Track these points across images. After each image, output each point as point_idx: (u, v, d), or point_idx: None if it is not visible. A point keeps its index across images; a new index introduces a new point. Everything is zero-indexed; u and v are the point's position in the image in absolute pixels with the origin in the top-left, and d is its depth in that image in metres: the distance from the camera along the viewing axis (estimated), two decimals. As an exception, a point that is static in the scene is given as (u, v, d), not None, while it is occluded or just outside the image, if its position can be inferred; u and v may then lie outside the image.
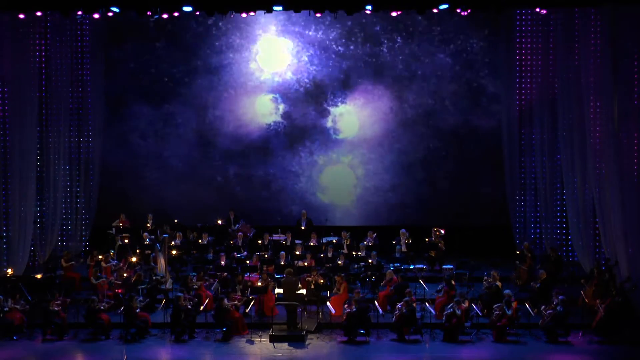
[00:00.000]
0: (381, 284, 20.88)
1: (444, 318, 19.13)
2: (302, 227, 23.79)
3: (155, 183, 25.11)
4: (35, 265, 23.29)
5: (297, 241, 22.94)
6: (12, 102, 22.53)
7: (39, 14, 21.73)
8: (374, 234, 23.12)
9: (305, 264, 21.70)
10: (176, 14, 20.86)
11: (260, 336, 19.14)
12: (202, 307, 19.68)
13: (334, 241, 22.85)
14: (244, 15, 21.70)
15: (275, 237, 23.16)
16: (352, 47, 24.58)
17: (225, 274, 21.19)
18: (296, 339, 18.87)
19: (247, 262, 21.73)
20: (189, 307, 19.23)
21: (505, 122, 23.97)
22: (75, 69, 23.94)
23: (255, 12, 21.77)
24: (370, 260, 21.73)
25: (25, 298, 20.14)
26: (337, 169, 25.19)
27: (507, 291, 19.40)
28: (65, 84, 23.69)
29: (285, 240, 23.01)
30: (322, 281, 20.23)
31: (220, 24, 24.35)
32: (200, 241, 23.25)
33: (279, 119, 24.99)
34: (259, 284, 20.21)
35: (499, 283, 20.34)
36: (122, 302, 19.68)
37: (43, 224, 23.69)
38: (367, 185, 25.15)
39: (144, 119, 24.94)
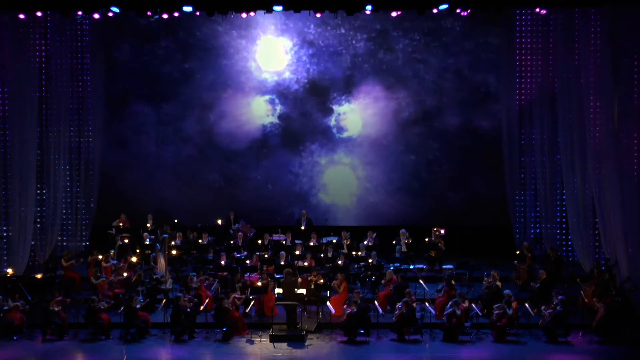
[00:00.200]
0: (381, 282, 20.87)
1: (444, 318, 19.14)
2: (302, 227, 23.80)
3: (156, 183, 25.12)
4: (35, 265, 23.30)
5: (297, 241, 22.95)
6: (12, 102, 22.53)
7: (39, 14, 21.72)
8: (374, 234, 23.13)
9: (305, 264, 21.71)
10: (176, 14, 20.88)
11: (260, 336, 19.14)
12: (202, 307, 19.68)
13: (334, 241, 22.85)
14: (244, 15, 21.71)
15: (275, 237, 23.17)
16: (352, 47, 24.58)
17: (225, 273, 21.19)
18: (296, 339, 18.86)
19: (247, 262, 21.73)
20: (189, 307, 19.22)
21: (505, 122, 23.98)
22: (75, 69, 23.94)
23: (255, 12, 21.77)
24: (370, 260, 21.73)
25: (25, 298, 20.14)
26: (338, 169, 25.20)
27: (507, 291, 19.41)
28: (65, 84, 23.70)
29: (285, 240, 23.01)
30: (322, 281, 20.24)
31: (220, 23, 24.35)
32: (200, 241, 23.26)
33: (279, 118, 24.99)
34: (259, 284, 20.21)
35: (499, 283, 20.35)
36: (122, 302, 19.68)
37: (43, 224, 23.69)
38: (368, 185, 25.15)
39: (144, 119, 24.95)
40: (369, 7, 20.28)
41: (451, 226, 23.64)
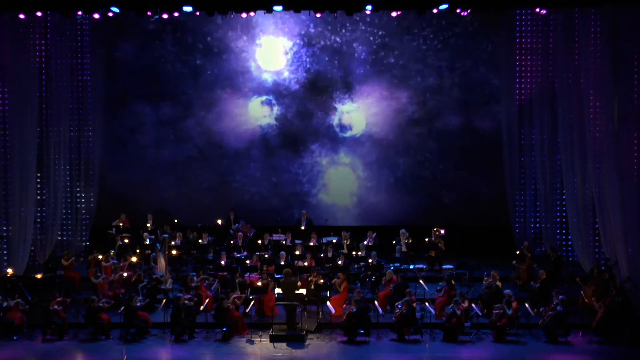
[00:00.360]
0: (381, 282, 20.87)
1: (444, 318, 19.13)
2: (302, 227, 23.80)
3: (155, 183, 25.11)
4: (35, 265, 23.30)
5: (297, 241, 22.94)
6: (12, 102, 22.53)
7: (39, 14, 21.72)
8: (374, 234, 23.12)
9: (305, 264, 21.70)
10: (176, 14, 20.89)
11: (260, 336, 19.14)
12: (202, 307, 19.68)
13: (334, 241, 22.85)
14: (244, 15, 21.71)
15: (275, 237, 23.16)
16: (352, 47, 24.56)
17: (225, 273, 21.19)
18: (296, 339, 18.87)
19: (247, 262, 21.73)
20: (189, 306, 19.22)
21: (505, 122, 23.98)
22: (75, 68, 23.94)
23: (255, 12, 21.77)
24: (370, 260, 21.73)
25: (25, 298, 20.14)
26: (338, 169, 25.20)
27: (507, 291, 19.41)
28: (65, 84, 23.70)
29: (285, 240, 23.01)
30: (322, 281, 20.24)
31: (220, 24, 24.35)
32: (200, 241, 23.26)
33: (279, 119, 24.99)
34: (259, 284, 20.21)
35: (499, 283, 20.35)
36: (122, 302, 19.68)
37: (43, 224, 23.69)
38: (368, 185, 25.15)
39: (144, 119, 24.94)
40: (369, 7, 20.29)
41: (451, 226, 23.64)
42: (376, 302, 19.78)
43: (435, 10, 20.59)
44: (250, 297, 19.96)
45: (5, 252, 22.63)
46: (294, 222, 24.28)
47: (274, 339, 18.89)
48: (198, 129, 25.03)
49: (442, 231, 23.23)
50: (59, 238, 24.13)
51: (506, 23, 23.55)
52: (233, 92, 24.89)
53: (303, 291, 20.07)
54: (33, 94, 22.71)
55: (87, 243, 24.36)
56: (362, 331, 19.03)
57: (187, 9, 20.20)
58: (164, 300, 20.21)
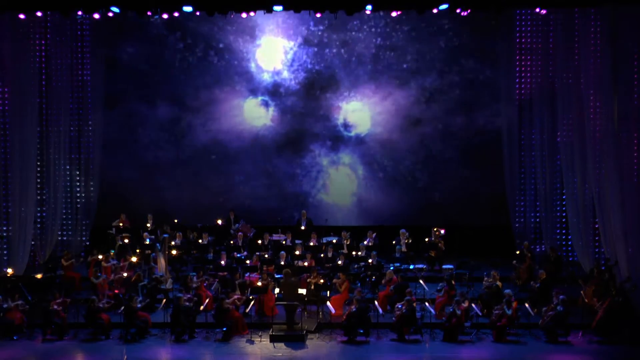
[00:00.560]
0: (381, 282, 20.86)
1: (444, 318, 19.13)
2: (302, 227, 23.79)
3: (155, 183, 25.11)
4: (35, 265, 23.30)
5: (297, 241, 22.94)
6: (12, 102, 22.54)
7: (39, 14, 21.72)
8: (374, 234, 23.12)
9: (305, 264, 21.69)
10: (176, 14, 20.88)
11: (260, 336, 19.15)
12: (202, 307, 19.68)
13: (334, 241, 22.84)
14: (244, 15, 21.71)
15: (275, 237, 23.16)
16: (352, 47, 24.56)
17: (225, 273, 21.19)
18: (296, 339, 18.87)
19: (247, 262, 21.73)
20: (189, 307, 19.22)
21: (505, 122, 23.98)
22: (75, 68, 23.95)
23: (255, 12, 21.77)
24: (370, 260, 21.73)
25: (25, 298, 20.14)
26: (338, 169, 25.20)
27: (507, 291, 19.41)
28: (65, 84, 23.70)
29: (285, 240, 23.01)
30: (322, 281, 20.24)
31: (220, 23, 24.35)
32: (200, 241, 23.25)
33: (279, 118, 24.99)
34: (259, 284, 20.21)
35: (499, 283, 20.36)
36: (122, 302, 19.68)
37: (43, 224, 23.70)
38: (368, 185, 25.16)
39: (144, 118, 24.94)
40: (369, 7, 20.28)
41: (451, 226, 23.64)
42: (376, 302, 19.78)
43: (435, 10, 20.57)
44: (250, 297, 19.96)
45: (5, 252, 22.64)
46: (294, 222, 24.28)
47: (274, 339, 18.90)
48: (198, 128, 25.02)
49: (442, 231, 23.23)
50: (59, 238, 24.13)
51: (506, 23, 23.55)
52: (233, 92, 24.89)
53: (303, 291, 20.05)
54: (33, 93, 22.73)
55: (87, 243, 24.36)
56: (362, 331, 19.03)
57: (187, 9, 20.20)
58: (164, 300, 20.21)
